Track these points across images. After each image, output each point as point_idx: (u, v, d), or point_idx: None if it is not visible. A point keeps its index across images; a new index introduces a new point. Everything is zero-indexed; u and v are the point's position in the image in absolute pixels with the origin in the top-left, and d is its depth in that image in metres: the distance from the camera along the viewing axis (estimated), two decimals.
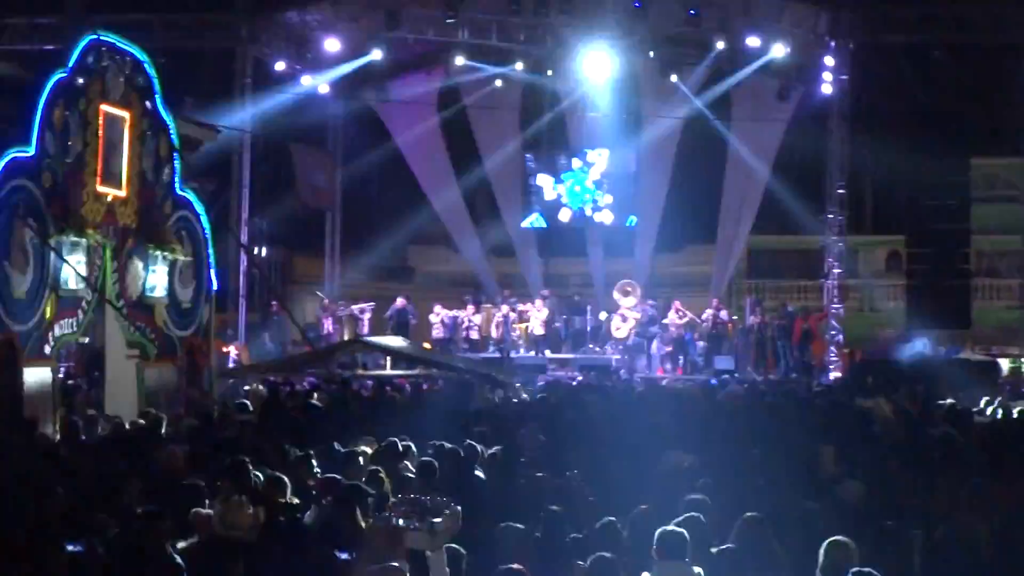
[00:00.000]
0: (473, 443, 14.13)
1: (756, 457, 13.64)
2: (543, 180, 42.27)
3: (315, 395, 22.32)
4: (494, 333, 37.90)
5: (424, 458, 12.82)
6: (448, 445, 13.58)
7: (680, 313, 36.73)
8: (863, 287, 45.93)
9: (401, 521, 8.48)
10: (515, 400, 22.87)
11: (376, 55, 37.80)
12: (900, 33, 35.20)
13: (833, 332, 35.59)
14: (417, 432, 14.95)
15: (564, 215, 42.26)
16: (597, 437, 15.27)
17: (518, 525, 10.27)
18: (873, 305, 46.05)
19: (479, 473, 12.90)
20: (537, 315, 37.66)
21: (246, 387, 25.78)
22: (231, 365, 32.74)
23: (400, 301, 38.63)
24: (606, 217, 42.09)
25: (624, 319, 36.91)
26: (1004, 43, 36.00)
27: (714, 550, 9.39)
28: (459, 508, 8.90)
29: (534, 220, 42.63)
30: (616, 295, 38.21)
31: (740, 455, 13.79)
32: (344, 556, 9.29)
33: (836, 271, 36.17)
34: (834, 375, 34.10)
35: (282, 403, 20.41)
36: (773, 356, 36.01)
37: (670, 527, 9.04)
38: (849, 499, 11.19)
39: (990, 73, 37.77)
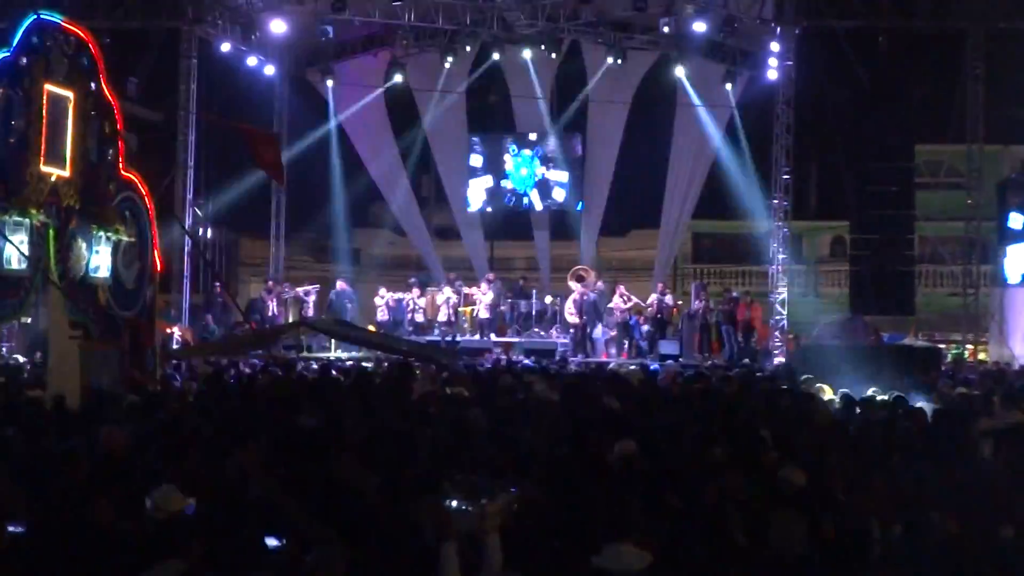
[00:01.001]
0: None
1: (698, 443, 13.65)
2: (490, 164, 42.21)
3: (258, 377, 22.30)
4: (441, 316, 37.83)
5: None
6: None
7: (625, 297, 36.81)
8: (807, 272, 46.30)
9: (454, 502, 8.42)
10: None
11: (322, 37, 37.69)
12: (845, 18, 35.34)
13: (777, 318, 35.80)
14: (360, 414, 14.90)
15: (510, 198, 42.25)
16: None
17: None
18: (818, 290, 46.45)
19: None
20: (483, 298, 37.65)
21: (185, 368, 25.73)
22: (175, 346, 32.59)
23: (340, 284, 38.62)
24: (551, 200, 42.11)
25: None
26: (949, 29, 36.29)
27: None
28: (514, 490, 8.83)
29: (482, 202, 42.57)
30: (570, 280, 38.21)
31: (682, 442, 13.82)
32: (275, 542, 9.23)
33: (781, 256, 36.35)
34: (777, 360, 34.31)
35: (224, 384, 20.35)
36: (718, 341, 36.15)
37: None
38: (791, 485, 11.23)
39: (935, 59, 38.02)
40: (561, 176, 41.88)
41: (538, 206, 42.34)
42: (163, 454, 12.14)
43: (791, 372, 27.35)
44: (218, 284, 38.08)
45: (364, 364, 28.48)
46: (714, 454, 12.62)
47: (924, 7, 35.13)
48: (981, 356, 37.33)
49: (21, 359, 28.16)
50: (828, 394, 20.25)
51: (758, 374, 28.78)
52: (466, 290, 38.52)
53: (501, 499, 8.48)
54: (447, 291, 38.11)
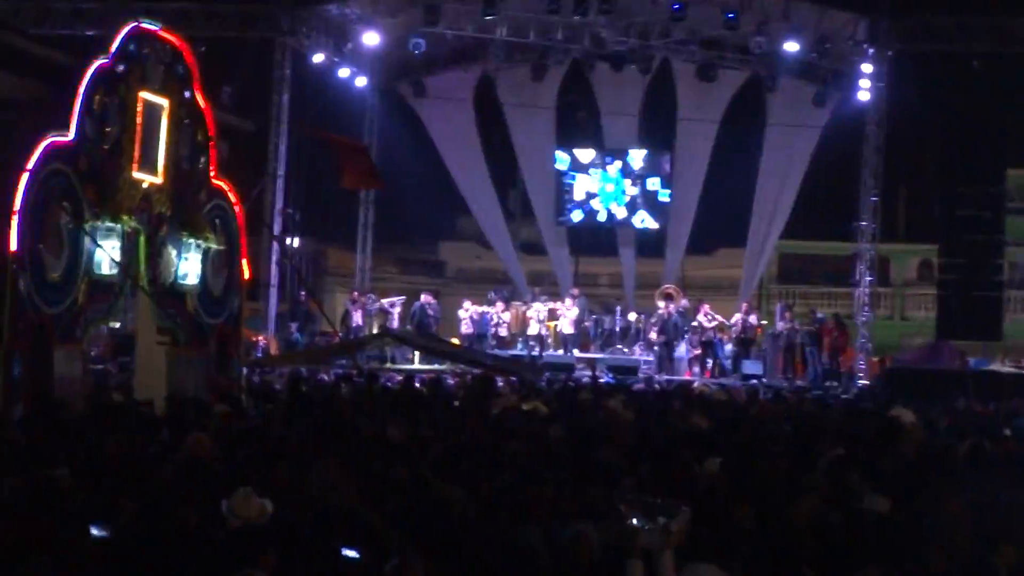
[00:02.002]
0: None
1: (782, 466, 13.57)
2: (578, 179, 42.20)
3: (341, 387, 22.43)
4: (532, 330, 37.80)
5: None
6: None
7: (709, 316, 36.67)
8: (894, 295, 45.93)
9: (635, 520, 8.46)
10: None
11: (415, 49, 37.91)
12: (938, 42, 35.18)
13: (863, 340, 35.54)
14: (440, 427, 14.97)
15: (597, 214, 42.23)
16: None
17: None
18: (904, 314, 46.04)
19: None
20: (568, 314, 37.64)
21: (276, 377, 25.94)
22: (259, 355, 32.85)
23: (424, 296, 38.74)
24: (638, 218, 42.06)
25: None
26: None
27: None
28: (688, 509, 8.88)
29: (568, 218, 42.59)
30: (657, 299, 38.12)
31: (768, 464, 13.75)
32: (351, 554, 9.28)
33: (867, 279, 36.12)
34: (863, 383, 34.05)
35: (308, 394, 20.49)
36: (802, 362, 35.92)
37: None
38: (874, 513, 11.13)
39: None
40: (649, 193, 41.79)
41: (625, 223, 42.27)
42: (248, 462, 12.25)
43: (876, 395, 27.15)
44: (304, 293, 38.34)
45: (446, 377, 28.55)
46: (798, 477, 12.55)
47: (1016, 32, 34.82)
48: None
49: (109, 363, 28.49)
50: (912, 418, 20.06)
51: (843, 396, 28.59)
52: (551, 305, 38.52)
53: (680, 518, 8.51)
54: (537, 305, 38.12)
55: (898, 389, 26.17)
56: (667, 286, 39.08)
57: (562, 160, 42.39)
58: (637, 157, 41.80)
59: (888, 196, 38.06)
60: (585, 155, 42.39)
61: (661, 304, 37.47)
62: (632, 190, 41.88)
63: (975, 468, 14.34)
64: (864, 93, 36.57)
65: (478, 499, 10.93)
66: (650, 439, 15.23)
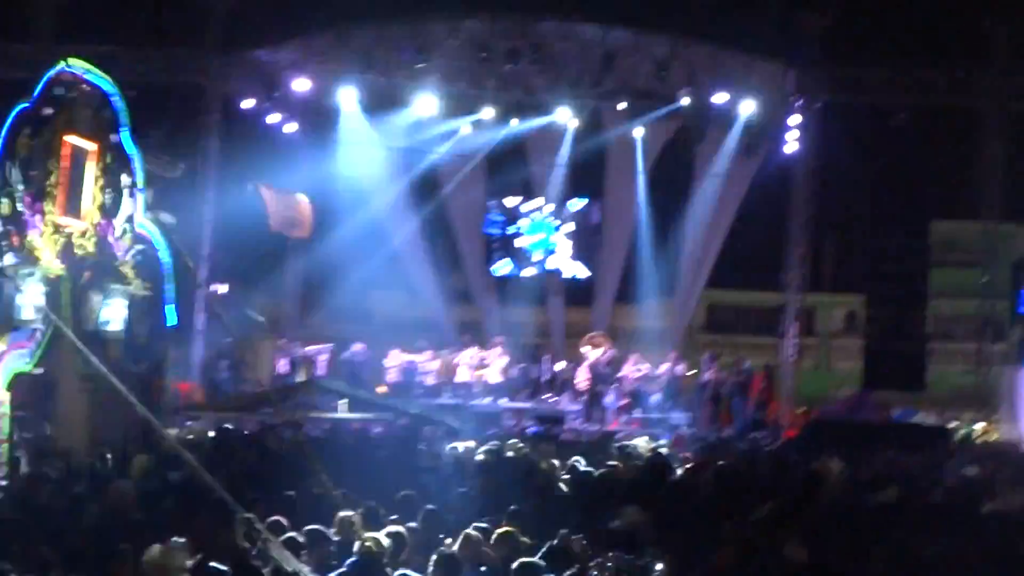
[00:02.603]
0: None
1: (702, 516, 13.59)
2: (508, 228, 42.24)
3: (268, 436, 22.24)
4: (461, 377, 37.70)
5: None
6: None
7: (636, 366, 36.69)
8: (820, 346, 46.23)
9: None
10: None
11: (345, 96, 37.86)
12: (865, 94, 35.58)
13: (788, 391, 35.67)
14: (365, 478, 14.87)
15: (525, 264, 42.26)
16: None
17: None
18: (830, 364, 46.32)
19: None
20: (496, 363, 37.58)
21: (197, 425, 25.66)
22: (185, 403, 32.51)
23: (355, 346, 38.56)
24: (567, 267, 42.13)
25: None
26: (967, 107, 36.35)
27: None
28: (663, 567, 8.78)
29: (498, 267, 42.62)
30: (584, 346, 38.19)
31: (691, 513, 13.76)
32: None
33: (794, 329, 36.29)
34: (788, 434, 34.14)
35: (234, 444, 20.31)
36: (728, 412, 35.99)
37: None
38: (792, 563, 11.16)
39: (953, 136, 38.13)
40: (577, 242, 41.88)
41: (553, 272, 42.34)
42: (172, 511, 12.12)
43: (801, 446, 27.23)
44: (230, 339, 38.03)
45: (373, 426, 28.43)
46: (722, 527, 12.56)
47: (942, 85, 35.23)
48: (991, 436, 37.11)
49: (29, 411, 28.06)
50: (837, 470, 20.13)
51: (767, 448, 28.66)
52: (482, 354, 38.41)
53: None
54: (465, 353, 38.04)
55: (823, 440, 26.25)
56: (593, 334, 39.11)
57: (492, 209, 42.40)
58: (566, 206, 41.89)
59: (815, 247, 38.29)
60: (515, 204, 42.42)
61: (588, 351, 37.52)
62: (561, 239, 41.95)
63: (900, 520, 14.42)
64: (792, 144, 36.80)
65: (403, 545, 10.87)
66: (580, 490, 15.23)
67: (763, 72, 36.56)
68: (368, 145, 40.95)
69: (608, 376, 36.80)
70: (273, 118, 38.75)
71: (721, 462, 20.92)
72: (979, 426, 36.67)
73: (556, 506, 14.09)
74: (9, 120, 17.85)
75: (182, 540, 10.02)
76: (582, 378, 36.83)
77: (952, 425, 36.09)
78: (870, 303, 35.75)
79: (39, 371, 22.26)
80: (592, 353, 37.32)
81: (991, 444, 33.82)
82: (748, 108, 37.05)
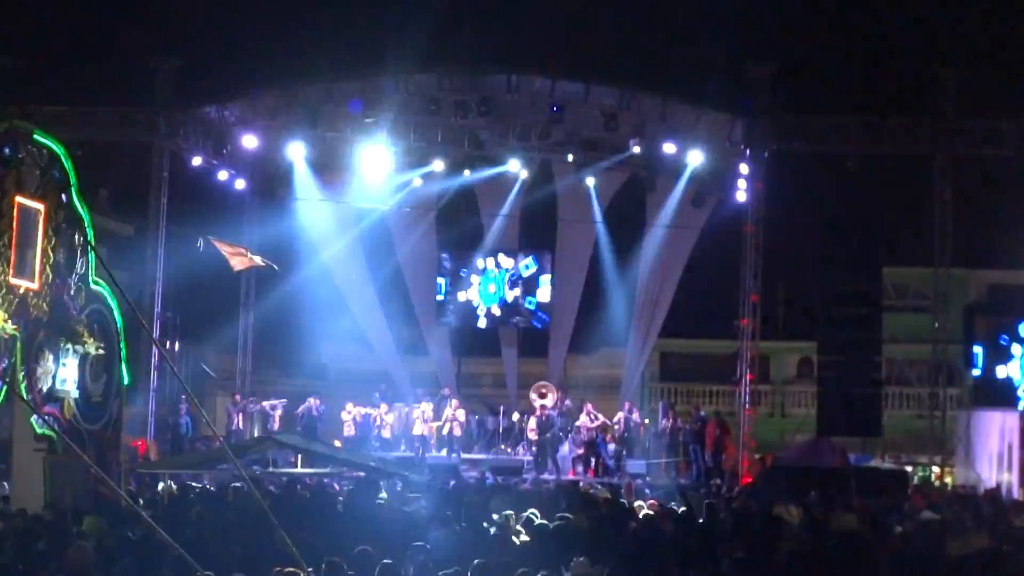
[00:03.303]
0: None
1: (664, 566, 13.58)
2: (459, 280, 42.31)
3: (225, 492, 22.12)
4: (415, 430, 37.64)
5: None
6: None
7: (592, 416, 36.68)
8: (775, 392, 46.35)
9: None
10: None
11: (293, 152, 37.89)
12: (813, 142, 35.79)
13: (744, 438, 35.72)
14: (323, 532, 14.80)
15: (478, 316, 42.30)
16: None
17: None
18: (785, 411, 46.44)
19: None
20: (458, 415, 37.54)
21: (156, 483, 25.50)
22: (141, 460, 32.33)
23: (310, 400, 38.48)
24: (520, 318, 42.21)
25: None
26: (916, 153, 36.60)
27: None
28: None
29: (449, 319, 42.67)
30: (532, 396, 38.32)
31: (652, 562, 13.75)
32: None
33: (748, 376, 36.37)
34: (744, 480, 34.19)
35: (191, 501, 20.18)
36: (685, 460, 36.05)
37: None
38: None
39: (903, 182, 38.42)
40: (529, 294, 41.98)
41: (506, 323, 42.42)
42: (130, 570, 12.02)
43: (758, 493, 27.26)
44: (183, 396, 37.87)
45: (330, 481, 28.31)
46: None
47: (892, 131, 35.50)
48: (947, 479, 37.28)
49: None
50: (796, 516, 20.16)
51: (726, 495, 28.68)
52: (449, 406, 38.25)
53: None
54: (424, 405, 38.00)
55: (781, 486, 26.29)
56: (540, 383, 39.22)
57: (443, 261, 42.47)
58: (518, 258, 42.02)
59: (767, 294, 38.44)
60: (466, 256, 42.49)
61: (537, 401, 37.61)
62: (513, 291, 42.06)
63: (860, 566, 14.46)
64: (742, 193, 36.94)
65: None
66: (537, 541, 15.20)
67: (711, 122, 36.78)
68: (318, 200, 40.94)
69: (561, 425, 36.81)
70: (222, 175, 38.70)
71: (681, 509, 20.99)
72: (935, 470, 36.88)
73: (516, 557, 14.03)
74: None
75: None
76: (532, 428, 36.86)
77: (909, 469, 36.29)
78: (823, 349, 35.78)
79: None
80: (539, 403, 37.41)
81: (948, 488, 34.02)
82: (697, 158, 37.27)
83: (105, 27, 37.73)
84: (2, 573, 11.73)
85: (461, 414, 37.69)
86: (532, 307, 42.08)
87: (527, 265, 42.06)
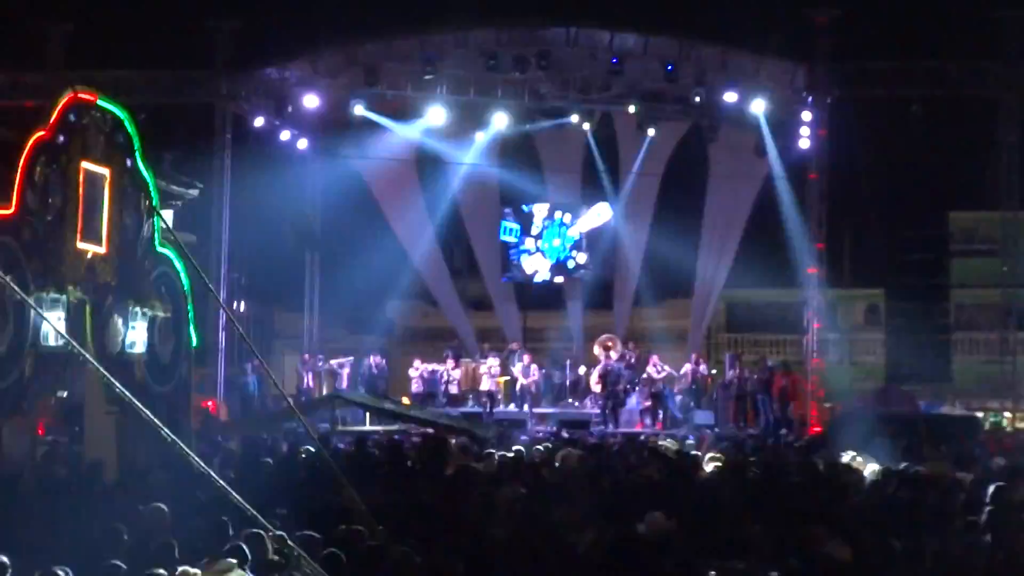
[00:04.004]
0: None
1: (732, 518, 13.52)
2: (522, 235, 42.24)
3: (294, 452, 22.26)
4: (484, 386, 37.74)
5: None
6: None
7: (658, 368, 36.67)
8: (842, 341, 46.07)
9: None
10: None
11: (356, 110, 37.88)
12: (876, 87, 35.45)
13: (812, 387, 35.57)
14: (395, 489, 14.88)
15: (542, 270, 42.25)
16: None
17: None
18: (853, 359, 46.18)
19: None
20: (531, 369, 37.61)
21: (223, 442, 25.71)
22: (210, 421, 32.57)
23: (372, 358, 38.62)
24: (584, 271, 42.14)
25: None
26: (981, 97, 36.23)
27: None
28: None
29: (514, 274, 42.64)
30: (597, 349, 38.30)
31: (716, 516, 13.71)
32: None
33: (815, 325, 36.20)
34: (814, 430, 34.06)
35: (260, 461, 20.32)
36: (753, 410, 35.94)
37: None
38: (836, 561, 11.10)
39: (967, 127, 38.01)
40: (593, 246, 41.89)
41: (570, 276, 42.36)
42: (200, 531, 12.13)
43: (828, 442, 27.16)
44: (257, 358, 38.10)
45: (399, 437, 28.43)
46: (753, 529, 12.53)
47: (956, 75, 35.11)
48: (1019, 424, 36.99)
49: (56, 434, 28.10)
50: (867, 464, 20.06)
51: (795, 444, 28.60)
52: (525, 360, 38.31)
53: None
54: (491, 361, 38.08)
55: (850, 435, 26.17)
56: (605, 336, 39.18)
57: (506, 216, 42.44)
58: (581, 211, 41.90)
59: (833, 242, 38.17)
60: (529, 211, 42.43)
61: (601, 354, 37.60)
62: (577, 244, 41.94)
63: (932, 514, 14.34)
64: (805, 141, 36.70)
65: (434, 563, 10.86)
66: (606, 495, 15.20)
67: (773, 69, 36.51)
68: (380, 158, 41.01)
69: (627, 378, 36.77)
70: (285, 135, 38.83)
71: (750, 459, 20.94)
72: (1007, 415, 36.61)
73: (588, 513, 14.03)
74: (26, 149, 17.88)
75: (232, 560, 10.02)
76: (596, 382, 36.89)
77: (980, 415, 36.05)
78: (890, 296, 35.53)
79: (65, 395, 22.39)
80: (604, 356, 37.39)
81: (1020, 433, 33.75)
82: (759, 106, 36.97)
83: None
84: (75, 537, 11.86)
85: (534, 369, 37.75)
86: (597, 260, 41.97)
87: (591, 218, 41.91)
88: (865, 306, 48.56)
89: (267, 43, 38.65)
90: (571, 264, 42.10)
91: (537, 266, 42.26)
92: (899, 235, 34.85)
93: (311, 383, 38.14)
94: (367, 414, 35.06)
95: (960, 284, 38.08)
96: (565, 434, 30.95)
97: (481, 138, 40.88)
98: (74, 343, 18.25)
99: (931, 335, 34.41)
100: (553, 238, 42.10)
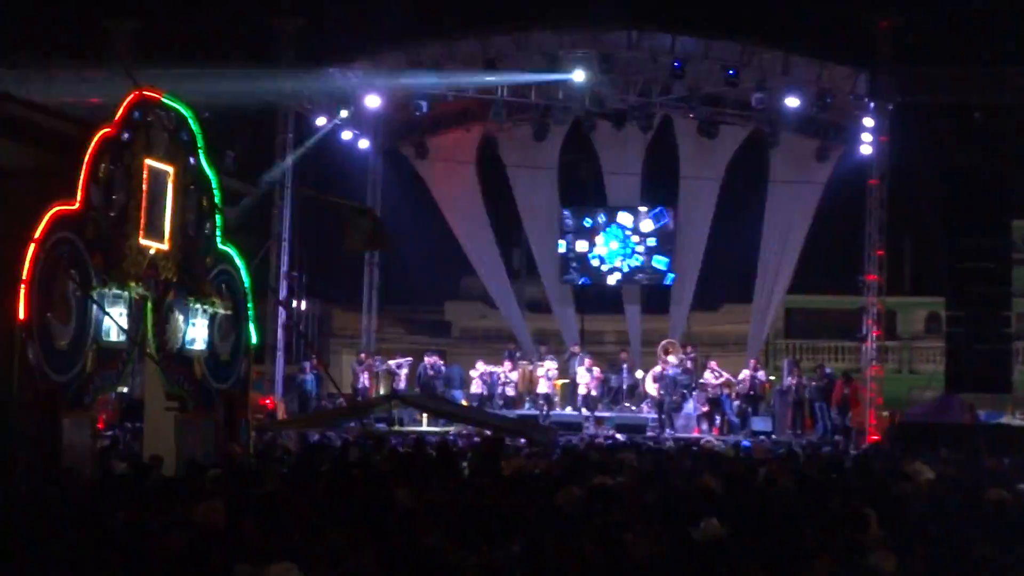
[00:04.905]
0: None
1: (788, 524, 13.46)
2: (582, 238, 42.19)
3: (349, 450, 22.35)
4: (541, 389, 37.73)
5: None
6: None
7: (716, 373, 36.58)
8: (902, 349, 45.81)
9: None
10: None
11: (417, 111, 38.02)
12: (938, 93, 35.23)
13: (871, 395, 35.38)
14: (451, 490, 14.90)
15: (601, 273, 42.20)
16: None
17: None
18: (912, 367, 45.91)
19: None
20: (592, 372, 37.55)
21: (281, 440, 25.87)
22: (268, 419, 32.77)
23: (427, 358, 38.67)
24: (643, 275, 42.05)
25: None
26: None
27: None
28: None
29: (573, 276, 42.59)
30: (658, 353, 38.21)
31: (776, 523, 13.65)
32: None
33: (874, 332, 36.03)
34: (872, 438, 33.91)
35: (317, 459, 20.42)
36: (811, 417, 35.78)
37: None
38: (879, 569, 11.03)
39: None
40: (653, 250, 41.80)
41: (629, 280, 42.29)
42: (258, 529, 12.17)
43: (886, 451, 27.04)
44: (313, 356, 38.29)
45: (455, 438, 28.48)
46: (805, 535, 12.48)
47: (1019, 82, 34.84)
48: None
49: (116, 429, 28.35)
50: (928, 473, 19.92)
51: (852, 452, 28.47)
52: (586, 362, 38.30)
53: None
54: (548, 363, 38.07)
55: (909, 444, 26.05)
56: (666, 341, 39.09)
57: (565, 219, 42.41)
58: (640, 214, 41.82)
59: (893, 249, 37.98)
60: (588, 213, 42.39)
61: (661, 359, 37.53)
62: (636, 247, 41.86)
63: (998, 523, 14.19)
64: (866, 147, 36.58)
65: (490, 565, 10.86)
66: (661, 499, 15.17)
67: (834, 74, 36.34)
68: (441, 159, 41.16)
69: (684, 383, 36.68)
70: (346, 135, 39.03)
71: (807, 467, 20.84)
72: None
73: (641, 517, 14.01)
74: (91, 146, 18.05)
75: (290, 564, 10.04)
76: (651, 386, 36.83)
77: None
78: (951, 304, 35.27)
79: (125, 390, 22.61)
80: (662, 360, 37.30)
81: None
82: (821, 111, 36.86)
83: None
84: (133, 532, 11.91)
85: (595, 372, 37.69)
86: (656, 264, 41.89)
87: (650, 221, 41.85)
88: (925, 314, 48.29)
89: (330, 43, 38.82)
90: (629, 268, 41.98)
91: (598, 268, 42.17)
92: (960, 243, 34.57)
93: (367, 382, 38.22)
94: (424, 415, 35.15)
95: (1022, 293, 37.73)
96: (621, 437, 30.98)
97: (541, 141, 40.87)
98: (134, 339, 18.48)
99: (992, 344, 34.12)
100: (612, 241, 42.01)
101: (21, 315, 16.61)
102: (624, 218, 42.00)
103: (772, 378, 38.75)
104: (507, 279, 44.30)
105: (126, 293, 18.67)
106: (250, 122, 36.80)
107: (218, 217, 21.57)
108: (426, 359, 38.67)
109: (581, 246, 42.19)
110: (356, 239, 28.28)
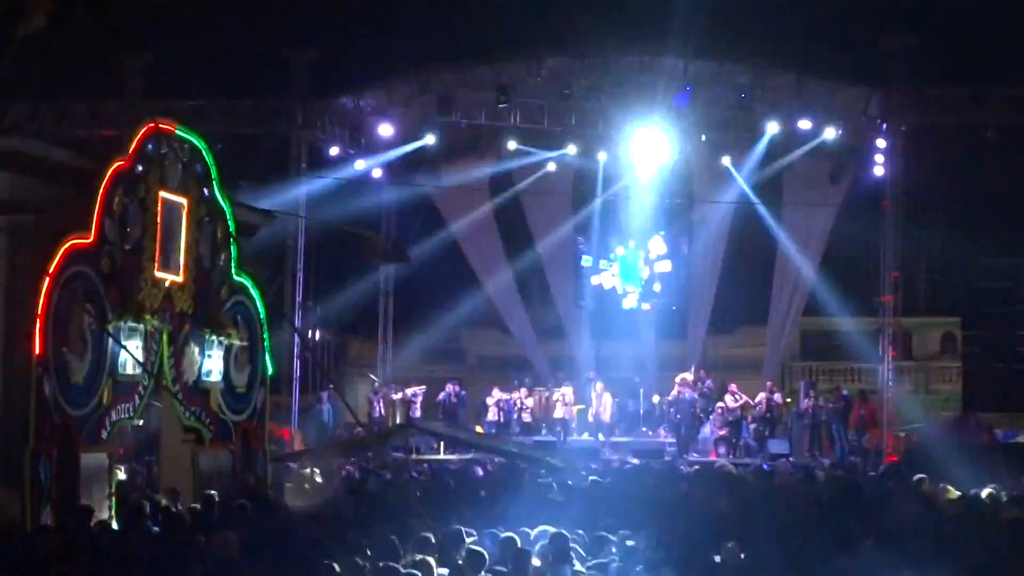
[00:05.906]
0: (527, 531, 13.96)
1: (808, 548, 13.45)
2: (596, 263, 42.18)
3: (368, 480, 22.35)
4: (557, 413, 37.68)
5: (473, 547, 12.68)
6: (503, 534, 13.45)
7: (735, 396, 36.51)
8: (918, 369, 45.65)
9: None
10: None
11: (429, 140, 38.14)
12: (951, 114, 35.24)
13: (887, 416, 35.28)
14: (468, 519, 14.91)
15: (616, 298, 42.18)
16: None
17: None
18: (928, 387, 45.76)
19: (536, 562, 12.74)
20: (604, 398, 37.51)
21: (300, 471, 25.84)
22: (284, 449, 32.75)
23: (449, 386, 38.64)
24: (658, 300, 42.01)
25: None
26: None
27: None
28: None
29: (588, 302, 42.57)
30: (677, 378, 38.10)
31: (793, 546, 13.64)
32: None
33: (890, 353, 35.95)
34: (889, 459, 33.80)
35: (335, 489, 20.44)
36: (828, 439, 35.70)
37: None
38: None
39: None
40: (668, 275, 41.77)
41: (644, 304, 42.25)
42: (275, 560, 12.20)
43: (904, 472, 26.93)
44: (330, 386, 38.27)
45: (473, 466, 28.42)
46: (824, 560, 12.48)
47: None
48: None
49: (133, 463, 28.34)
50: (942, 494, 19.86)
51: (870, 473, 28.38)
52: (577, 390, 38.30)
53: None
54: (564, 389, 38.02)
55: (926, 464, 25.94)
56: (685, 374, 38.72)
57: (579, 244, 42.41)
58: (655, 239, 41.80)
59: (908, 270, 37.94)
60: (603, 239, 42.38)
61: (677, 384, 37.38)
62: (650, 272, 41.83)
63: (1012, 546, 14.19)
64: (879, 168, 36.57)
65: None
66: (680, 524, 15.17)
67: (847, 96, 36.39)
68: (454, 187, 41.19)
69: (701, 406, 36.63)
70: (359, 164, 39.10)
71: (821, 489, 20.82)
72: None
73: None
74: (105, 179, 18.09)
75: None
76: (674, 411, 36.77)
77: None
78: (967, 324, 35.25)
79: (141, 423, 22.61)
80: (678, 384, 37.21)
81: None
82: (833, 134, 36.87)
83: (241, 20, 38.15)
84: (151, 566, 11.96)
85: (608, 398, 37.64)
86: (670, 288, 41.86)
87: (665, 245, 41.83)
88: (941, 334, 48.12)
89: (342, 73, 38.93)
90: (644, 292, 41.95)
91: (613, 293, 42.17)
92: (975, 263, 34.59)
93: (383, 411, 38.21)
94: (440, 443, 35.11)
95: None
96: (637, 461, 30.91)
97: (554, 168, 40.91)
98: (150, 371, 18.50)
99: (1008, 363, 34.10)
100: (627, 266, 41.99)
101: (37, 350, 16.63)
102: (638, 243, 41.97)
103: (789, 400, 38.66)
104: (521, 305, 44.25)
105: (142, 326, 18.68)
106: (263, 152, 36.94)
107: (233, 248, 21.59)
108: (448, 387, 38.64)
109: (596, 272, 42.18)
110: (375, 252, 28.39)
